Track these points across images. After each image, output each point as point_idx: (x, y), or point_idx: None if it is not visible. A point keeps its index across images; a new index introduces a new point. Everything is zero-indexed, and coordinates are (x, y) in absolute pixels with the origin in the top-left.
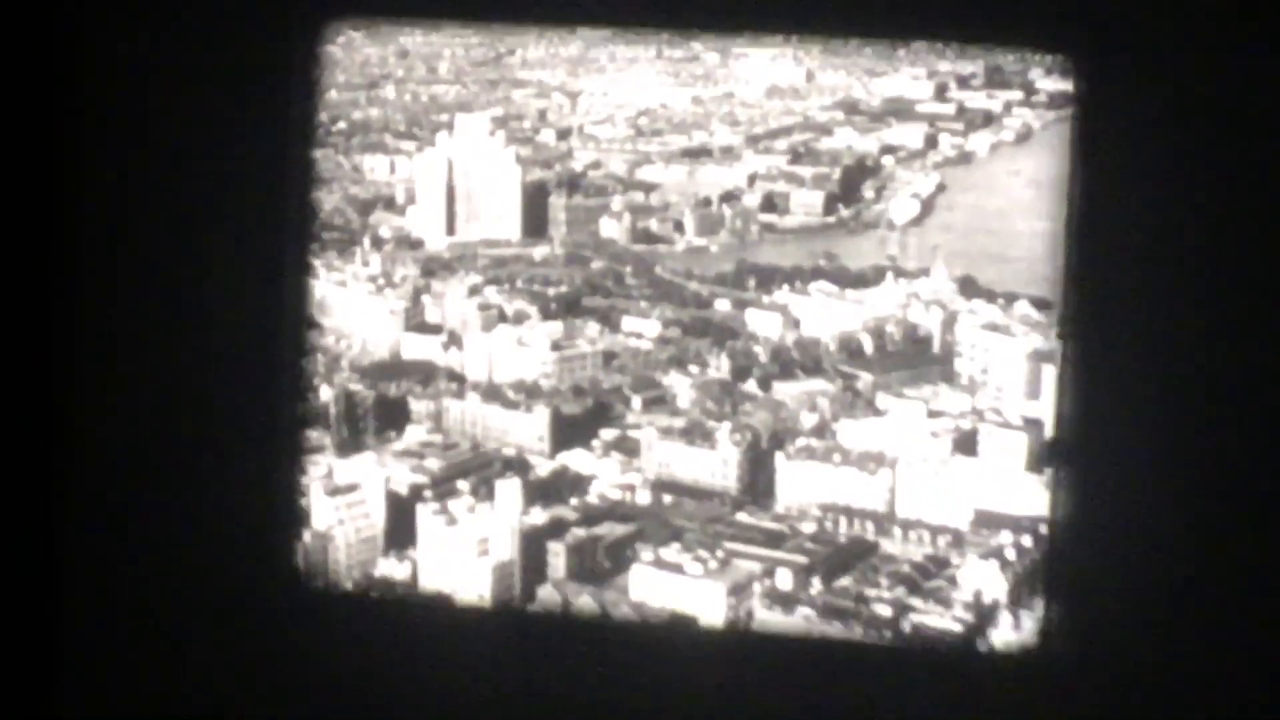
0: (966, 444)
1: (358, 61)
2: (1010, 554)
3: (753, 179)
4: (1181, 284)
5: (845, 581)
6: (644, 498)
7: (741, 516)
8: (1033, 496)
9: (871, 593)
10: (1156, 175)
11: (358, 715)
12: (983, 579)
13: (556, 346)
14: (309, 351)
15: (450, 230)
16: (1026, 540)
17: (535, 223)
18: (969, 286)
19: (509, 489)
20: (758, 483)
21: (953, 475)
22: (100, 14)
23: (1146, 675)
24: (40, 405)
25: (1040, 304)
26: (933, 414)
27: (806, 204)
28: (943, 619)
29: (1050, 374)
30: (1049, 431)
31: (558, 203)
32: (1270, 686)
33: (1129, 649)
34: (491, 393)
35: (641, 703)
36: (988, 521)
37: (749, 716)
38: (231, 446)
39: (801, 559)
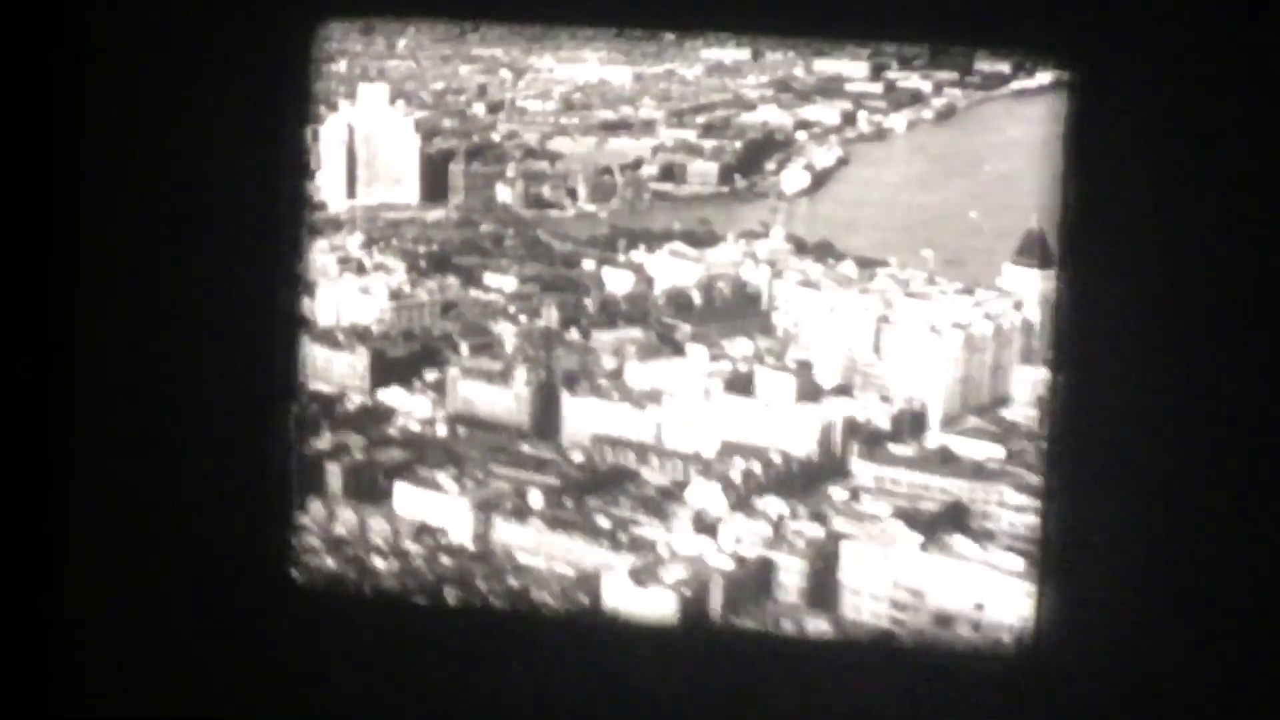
0: (743, 384)
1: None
2: (736, 477)
3: (656, 150)
4: (1176, 281)
5: (593, 502)
6: (443, 430)
7: (524, 447)
8: (790, 430)
9: (615, 511)
10: (1148, 178)
11: (352, 714)
12: (706, 498)
13: (395, 295)
14: (302, 350)
15: (350, 194)
16: (756, 466)
17: (438, 188)
18: (821, 250)
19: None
20: (547, 418)
21: (716, 411)
22: (97, 16)
23: (1140, 673)
24: (36, 402)
25: (865, 262)
26: (715, 357)
27: (702, 174)
28: (658, 531)
29: (842, 323)
30: (819, 373)
31: (457, 169)
32: (1265, 684)
33: (1123, 647)
34: (322, 335)
35: (629, 703)
36: (731, 450)
37: (737, 717)
38: (225, 448)
39: (555, 481)
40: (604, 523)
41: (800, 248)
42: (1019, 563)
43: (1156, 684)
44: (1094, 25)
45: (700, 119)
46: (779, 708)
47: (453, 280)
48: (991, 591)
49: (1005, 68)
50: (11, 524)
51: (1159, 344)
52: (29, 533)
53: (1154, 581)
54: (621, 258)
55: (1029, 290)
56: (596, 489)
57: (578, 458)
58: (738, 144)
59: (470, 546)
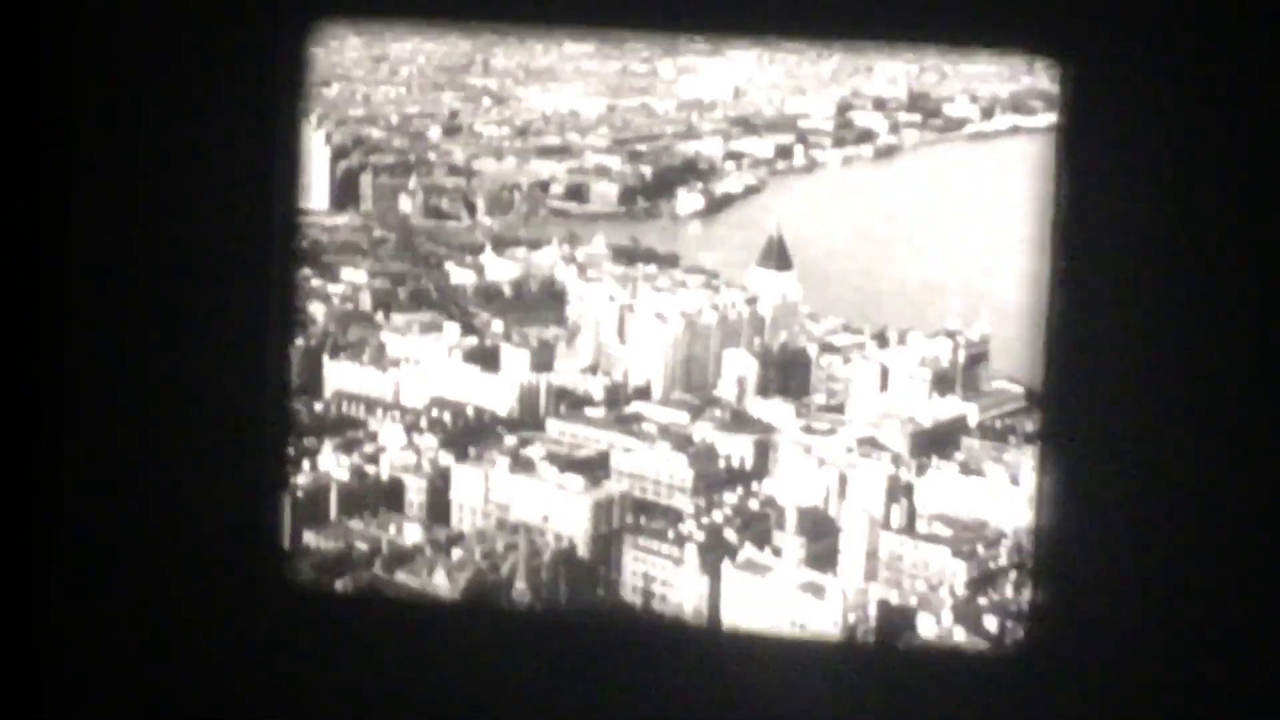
0: (490, 357)
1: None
2: (424, 424)
3: (573, 171)
4: (1169, 283)
5: (309, 441)
6: None
7: None
8: (498, 393)
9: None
10: (1142, 179)
11: (348, 714)
12: (391, 438)
13: None
14: (295, 347)
15: None
16: (446, 416)
17: (352, 198)
18: (669, 261)
19: None
20: (313, 377)
21: (446, 375)
22: (88, 14)
23: (1133, 672)
24: (26, 400)
25: (664, 263)
26: (466, 333)
27: (604, 194)
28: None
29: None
30: (565, 350)
31: (366, 180)
32: (1258, 684)
33: (1117, 646)
34: None
35: (628, 700)
36: (437, 404)
37: (730, 715)
38: (219, 445)
39: None
40: (291, 452)
41: (644, 256)
42: (581, 483)
43: (1148, 685)
44: (1089, 21)
45: (640, 147)
46: (770, 706)
47: (306, 270)
48: (556, 506)
49: (972, 113)
50: (1, 525)
51: (1153, 342)
52: (19, 534)
53: (1147, 581)
54: (469, 259)
55: (766, 289)
56: (322, 432)
57: (319, 408)
58: (646, 169)
59: None
